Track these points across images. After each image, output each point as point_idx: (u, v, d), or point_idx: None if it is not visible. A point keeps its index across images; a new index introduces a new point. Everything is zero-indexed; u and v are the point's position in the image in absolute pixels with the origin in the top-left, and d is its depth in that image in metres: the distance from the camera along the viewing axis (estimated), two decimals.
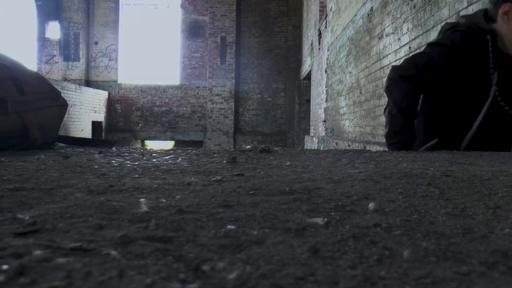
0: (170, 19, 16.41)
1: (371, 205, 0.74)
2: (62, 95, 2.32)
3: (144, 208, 0.72)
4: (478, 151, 1.88)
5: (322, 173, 1.18)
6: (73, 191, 0.88)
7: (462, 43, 1.91)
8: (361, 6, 6.46)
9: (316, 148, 9.94)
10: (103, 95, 15.38)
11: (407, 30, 4.47)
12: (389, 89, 2.07)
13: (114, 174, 1.15)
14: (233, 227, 0.60)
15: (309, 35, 13.13)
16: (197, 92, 16.11)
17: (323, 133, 9.96)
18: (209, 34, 15.78)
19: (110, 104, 15.89)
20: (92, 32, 16.20)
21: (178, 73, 16.20)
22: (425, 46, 2.09)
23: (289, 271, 0.44)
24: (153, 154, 1.80)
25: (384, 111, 2.16)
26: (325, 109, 9.90)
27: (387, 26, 5.18)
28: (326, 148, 6.74)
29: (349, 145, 6.28)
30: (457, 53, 1.91)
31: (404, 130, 2.05)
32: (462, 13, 3.16)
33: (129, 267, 0.44)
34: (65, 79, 15.17)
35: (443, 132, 2.02)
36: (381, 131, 5.41)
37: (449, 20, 3.38)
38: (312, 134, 12.12)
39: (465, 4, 3.07)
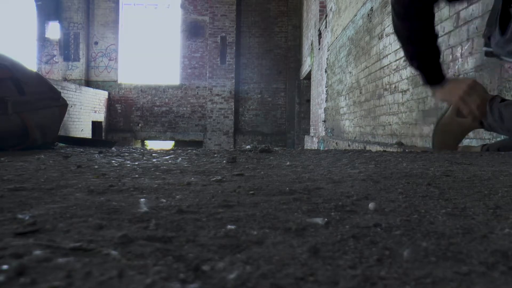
0: (170, 19, 16.40)
1: (371, 205, 0.74)
2: (62, 95, 2.32)
3: (144, 208, 0.72)
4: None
5: (322, 173, 1.18)
6: (73, 191, 0.88)
7: None
8: (361, 6, 6.46)
9: (316, 148, 9.94)
10: (103, 95, 15.37)
11: None
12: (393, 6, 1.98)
13: (114, 174, 1.15)
14: (233, 227, 0.60)
15: (309, 35, 13.13)
16: (197, 92, 16.11)
17: (323, 133, 9.96)
18: (209, 34, 15.78)
19: (110, 104, 15.89)
20: (92, 32, 16.19)
21: (178, 73, 16.19)
22: None
23: (289, 271, 0.44)
24: (153, 154, 1.80)
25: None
26: (325, 109, 9.90)
27: (387, 26, 5.18)
28: (326, 148, 6.74)
29: (349, 145, 6.27)
30: None
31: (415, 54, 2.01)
32: (462, 13, 3.16)
33: (129, 267, 0.44)
34: (65, 79, 15.16)
35: None
36: (381, 131, 5.41)
37: (449, 20, 3.37)
38: (312, 134, 12.12)
39: (465, 5, 3.06)
